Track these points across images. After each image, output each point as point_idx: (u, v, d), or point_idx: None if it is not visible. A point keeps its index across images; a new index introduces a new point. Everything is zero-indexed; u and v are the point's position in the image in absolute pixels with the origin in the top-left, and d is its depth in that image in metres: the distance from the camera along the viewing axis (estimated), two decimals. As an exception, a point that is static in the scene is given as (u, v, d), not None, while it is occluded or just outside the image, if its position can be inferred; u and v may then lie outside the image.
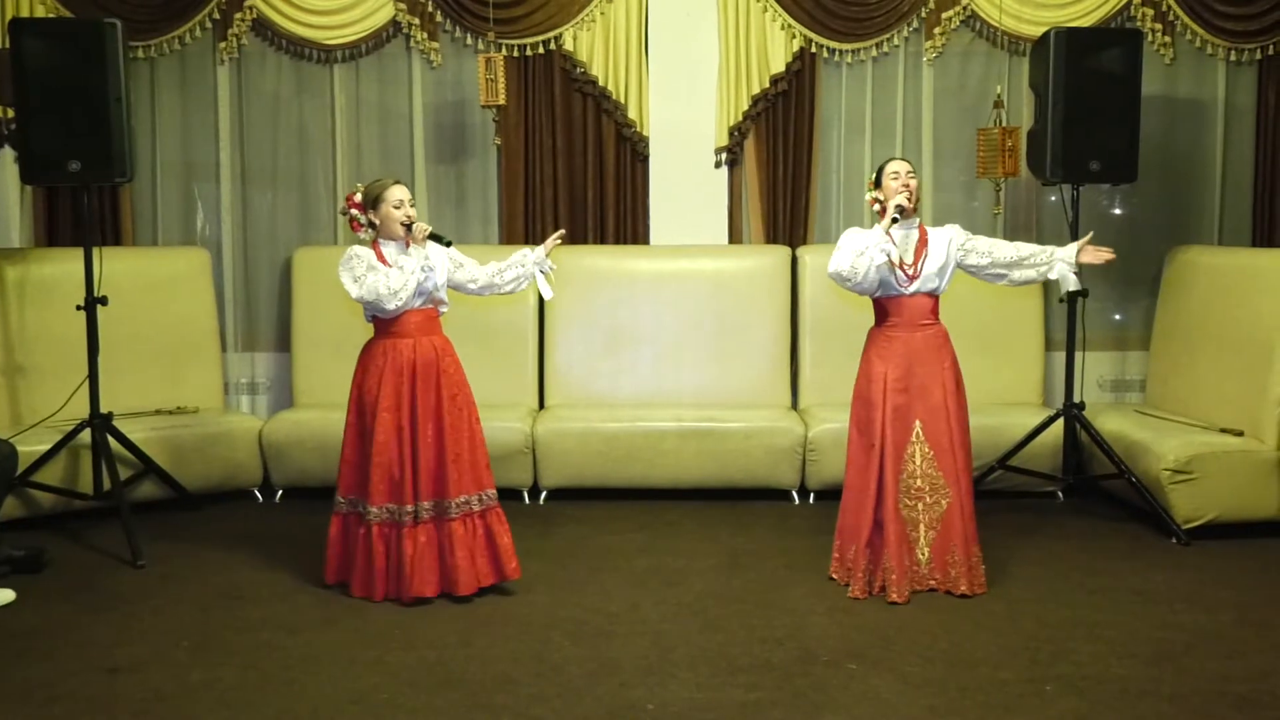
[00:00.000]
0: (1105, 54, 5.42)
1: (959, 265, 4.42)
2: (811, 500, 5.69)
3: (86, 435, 5.16)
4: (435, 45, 6.18)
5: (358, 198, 4.35)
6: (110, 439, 5.15)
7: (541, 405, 6.10)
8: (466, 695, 3.51)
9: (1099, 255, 4.46)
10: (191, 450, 5.59)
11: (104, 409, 5.14)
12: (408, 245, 4.30)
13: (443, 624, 4.08)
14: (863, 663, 3.74)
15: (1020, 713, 3.40)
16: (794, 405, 6.11)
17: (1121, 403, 6.33)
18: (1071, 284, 4.50)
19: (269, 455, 5.74)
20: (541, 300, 6.06)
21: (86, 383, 5.11)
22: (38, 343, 5.56)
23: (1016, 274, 4.45)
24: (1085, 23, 6.02)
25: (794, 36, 6.15)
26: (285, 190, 6.40)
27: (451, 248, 4.40)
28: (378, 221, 4.30)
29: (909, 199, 4.34)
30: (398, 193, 4.29)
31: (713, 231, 6.29)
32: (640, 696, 3.50)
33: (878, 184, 4.45)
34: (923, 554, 4.33)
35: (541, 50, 6.18)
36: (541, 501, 5.71)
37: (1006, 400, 5.97)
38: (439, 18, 6.16)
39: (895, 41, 6.23)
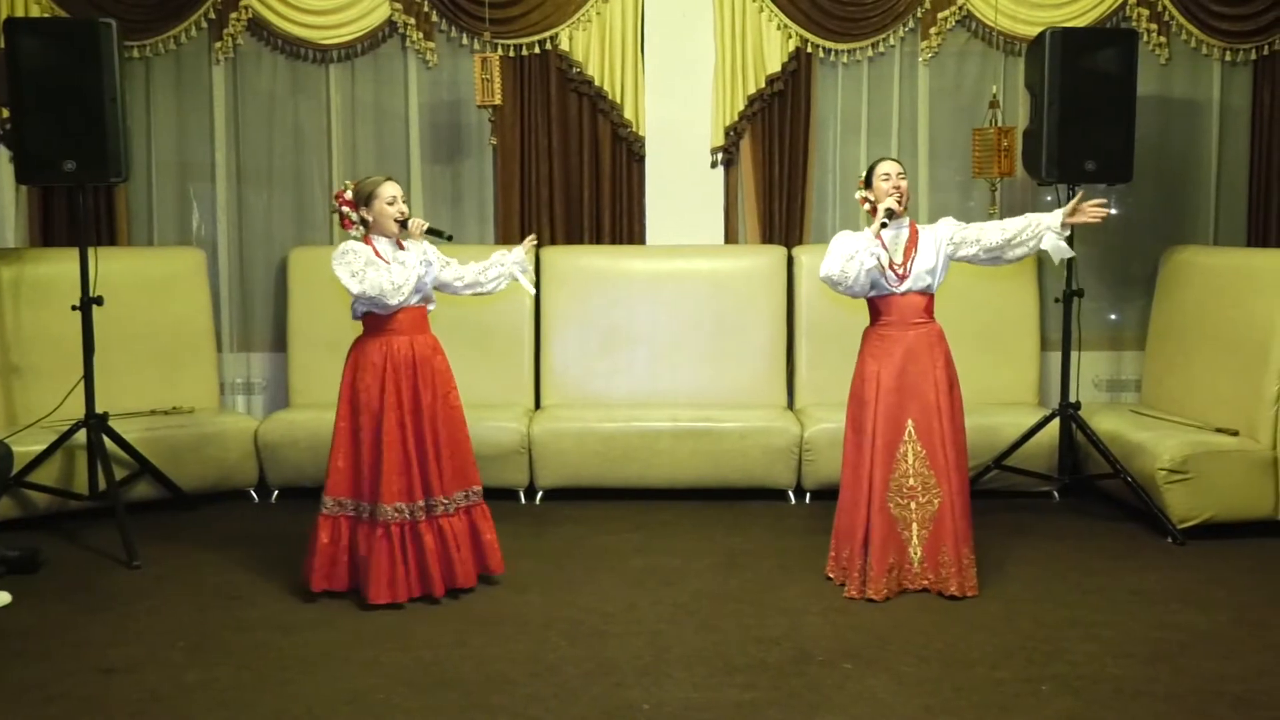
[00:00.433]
0: (1101, 54, 5.42)
1: (953, 259, 4.42)
2: (807, 500, 5.69)
3: (82, 435, 5.16)
4: (431, 45, 6.18)
5: (348, 195, 4.32)
6: (106, 439, 5.14)
7: (537, 405, 6.10)
8: (462, 695, 3.51)
9: (1092, 213, 4.34)
10: (187, 450, 5.58)
11: (99, 409, 5.14)
12: (399, 244, 4.30)
13: (439, 624, 4.08)
14: (858, 662, 3.74)
15: (1016, 712, 3.40)
16: (790, 405, 6.11)
17: (1117, 402, 6.34)
18: (1065, 252, 4.40)
19: (264, 455, 5.74)
20: (538, 300, 6.09)
21: (82, 383, 5.10)
22: (33, 343, 5.56)
23: (1010, 254, 4.41)
24: (1081, 23, 6.03)
25: (790, 36, 6.15)
26: (281, 190, 6.39)
27: (451, 242, 4.42)
28: (370, 218, 4.29)
29: (899, 201, 4.35)
30: (390, 189, 4.28)
31: (709, 231, 6.29)
32: (636, 696, 3.50)
33: (868, 184, 4.45)
34: (915, 553, 4.33)
35: (537, 50, 6.18)
36: (537, 501, 5.71)
37: (1002, 400, 5.97)
38: (435, 17, 6.16)
39: (891, 41, 6.23)
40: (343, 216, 4.34)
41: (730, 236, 6.32)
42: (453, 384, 4.39)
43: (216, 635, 4.00)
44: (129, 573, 4.68)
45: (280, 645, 3.91)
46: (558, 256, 6.14)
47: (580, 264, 6.12)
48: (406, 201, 4.36)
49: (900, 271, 4.35)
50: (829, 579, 4.49)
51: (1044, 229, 4.34)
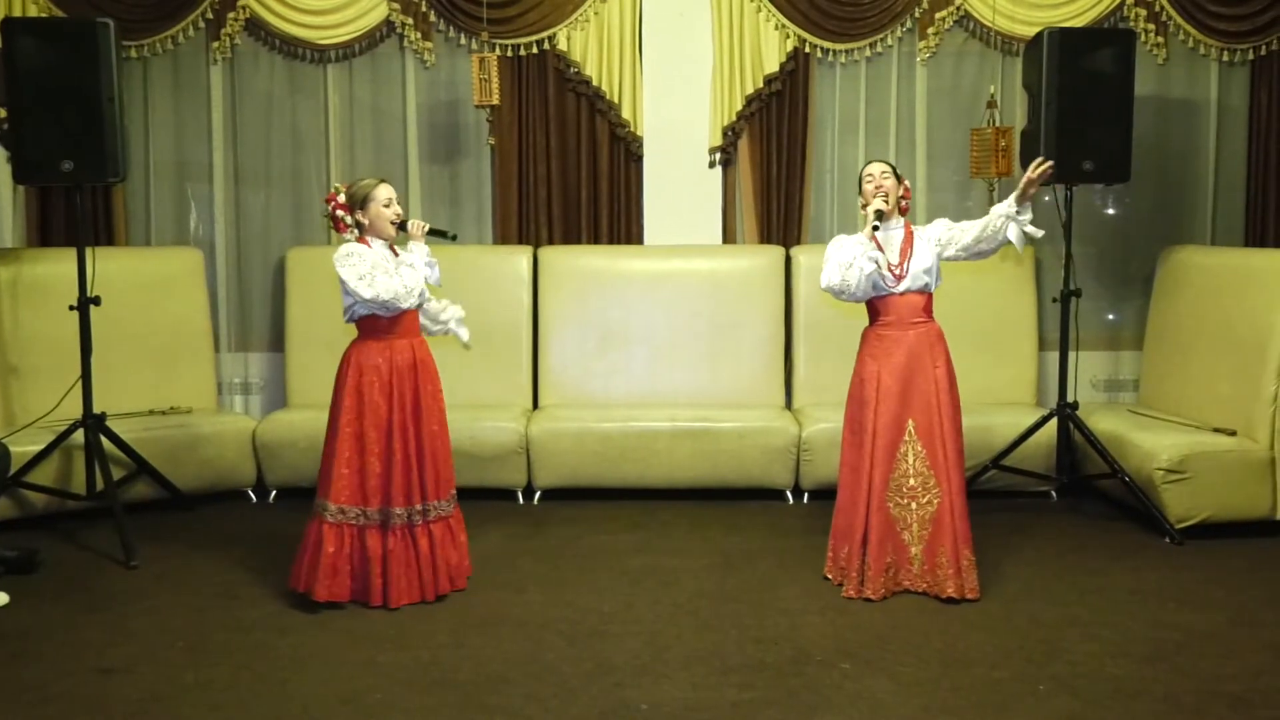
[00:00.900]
0: (1098, 54, 5.42)
1: (942, 259, 4.41)
2: (805, 500, 5.69)
3: (80, 435, 5.16)
4: (429, 45, 6.18)
5: (341, 198, 4.29)
6: (103, 439, 5.14)
7: (536, 405, 6.10)
8: (460, 695, 3.51)
9: (1037, 174, 4.25)
10: (185, 450, 5.58)
11: (97, 409, 5.14)
12: (393, 248, 4.29)
13: (435, 624, 4.08)
14: (856, 663, 3.74)
15: (1014, 712, 3.40)
16: (788, 405, 6.11)
17: (1115, 402, 6.34)
18: (1035, 234, 4.33)
19: (262, 456, 5.73)
20: (536, 300, 6.09)
21: (80, 383, 5.09)
22: (31, 343, 5.55)
23: (984, 248, 4.40)
24: (1078, 23, 6.03)
25: (788, 36, 6.15)
26: (279, 190, 6.39)
27: (455, 242, 4.43)
28: (366, 221, 4.27)
29: (886, 201, 4.35)
30: (385, 191, 4.26)
31: (707, 231, 6.29)
32: (634, 696, 3.50)
33: (860, 189, 4.47)
34: (915, 553, 4.33)
35: (535, 50, 6.17)
36: (535, 501, 5.71)
37: (1000, 400, 5.97)
38: (433, 17, 6.16)
39: (889, 41, 6.23)
40: (337, 220, 4.30)
41: (728, 237, 6.32)
42: (440, 387, 4.39)
43: (214, 635, 4.00)
44: (127, 573, 4.68)
45: (278, 645, 3.91)
46: (556, 257, 6.14)
47: (578, 264, 6.12)
48: (402, 202, 4.35)
49: (897, 272, 4.36)
50: (827, 579, 4.49)
51: (1001, 219, 4.31)
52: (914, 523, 4.33)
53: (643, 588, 4.47)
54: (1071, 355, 5.60)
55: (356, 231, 4.29)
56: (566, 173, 6.27)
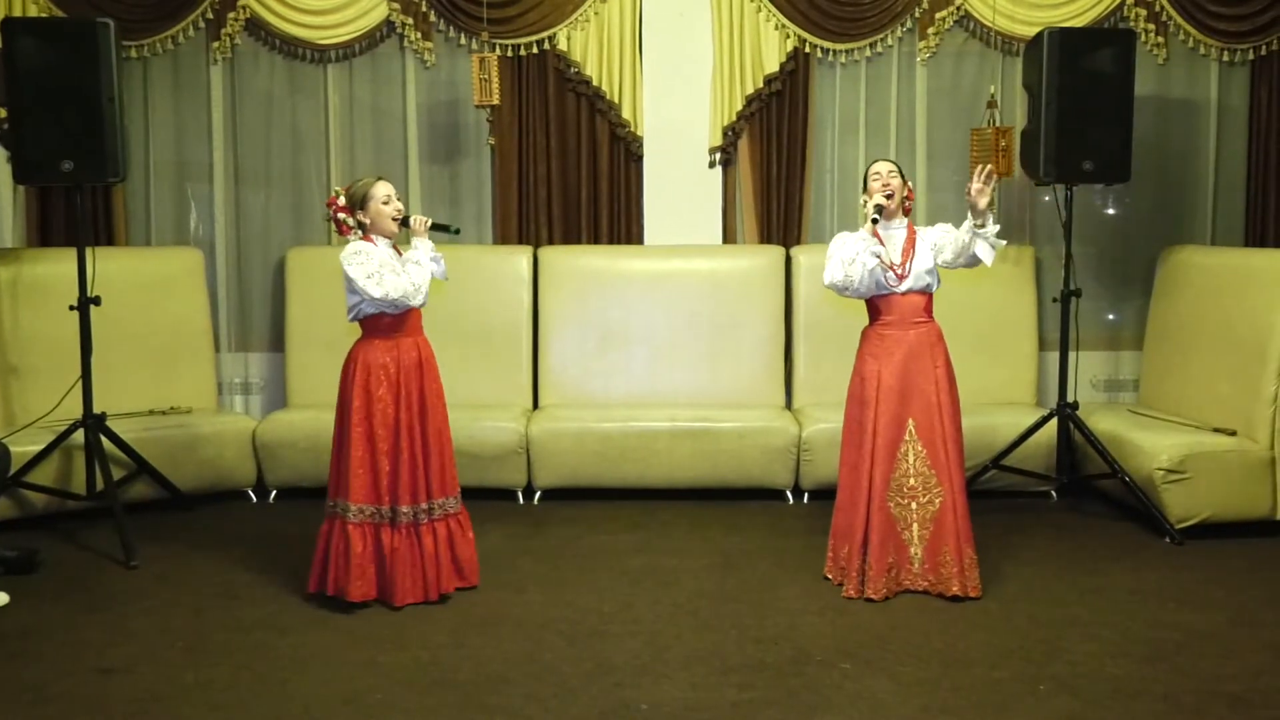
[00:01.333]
0: (1098, 54, 5.42)
1: (938, 265, 4.42)
2: (805, 500, 5.69)
3: (80, 435, 5.15)
4: (429, 45, 6.18)
5: (341, 201, 4.29)
6: (103, 439, 5.14)
7: (536, 405, 6.10)
8: (460, 695, 3.51)
9: (981, 185, 4.22)
10: (185, 450, 5.58)
11: (97, 409, 5.14)
12: (395, 246, 4.30)
13: (435, 624, 4.08)
14: (856, 663, 3.74)
15: (1014, 712, 3.40)
16: (788, 405, 6.11)
17: (1115, 402, 6.34)
18: (997, 244, 4.30)
19: (262, 456, 5.73)
20: (536, 300, 6.09)
21: (80, 383, 5.09)
22: (31, 343, 5.55)
23: (963, 263, 4.38)
24: (1078, 23, 6.03)
25: (788, 36, 6.15)
26: (279, 190, 6.39)
27: (459, 236, 4.43)
28: (367, 220, 4.26)
29: (889, 198, 4.35)
30: (384, 189, 4.26)
31: (707, 231, 6.29)
32: (634, 696, 3.50)
33: (866, 187, 4.47)
34: (915, 553, 4.33)
35: (535, 50, 6.17)
36: (535, 501, 5.71)
37: (1000, 400, 5.97)
38: (433, 17, 6.15)
39: (889, 41, 6.23)
40: (339, 223, 4.30)
41: (728, 236, 6.32)
42: (442, 384, 4.39)
43: (214, 636, 4.00)
44: (127, 573, 4.67)
45: (278, 645, 3.91)
46: (556, 257, 6.14)
47: (578, 264, 6.12)
48: (402, 202, 4.35)
49: (900, 271, 4.36)
50: (827, 579, 4.49)
51: (968, 238, 4.28)
52: (914, 522, 4.33)
53: (642, 588, 4.47)
54: (1071, 355, 5.60)
55: (360, 232, 4.29)
56: (566, 173, 6.27)
